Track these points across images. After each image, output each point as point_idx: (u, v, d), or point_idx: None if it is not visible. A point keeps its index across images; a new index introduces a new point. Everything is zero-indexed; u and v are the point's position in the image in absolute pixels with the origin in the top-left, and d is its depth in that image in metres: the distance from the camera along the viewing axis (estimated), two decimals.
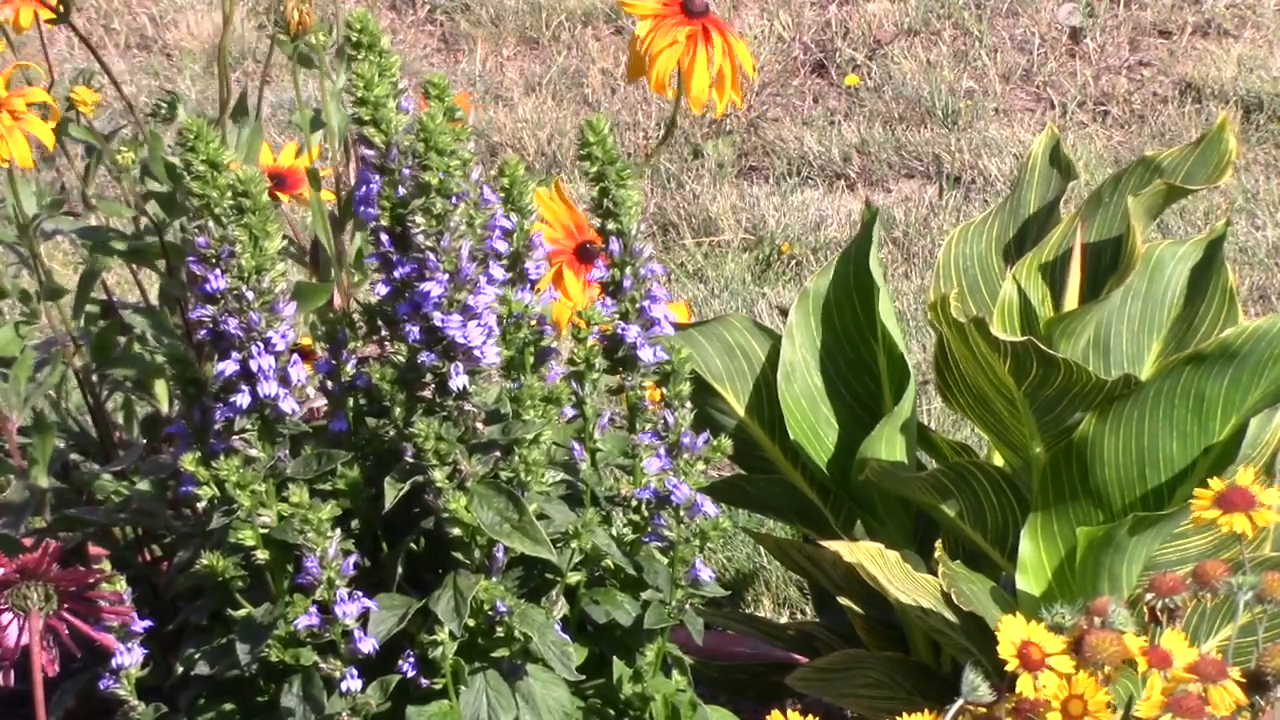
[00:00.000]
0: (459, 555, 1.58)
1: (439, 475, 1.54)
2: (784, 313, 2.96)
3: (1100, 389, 1.77)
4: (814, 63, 3.79)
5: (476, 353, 1.55)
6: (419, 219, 1.52)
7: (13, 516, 1.80)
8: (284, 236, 1.60)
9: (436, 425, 1.54)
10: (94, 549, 1.91)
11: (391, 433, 1.59)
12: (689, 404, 1.65)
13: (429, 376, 1.57)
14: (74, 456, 1.93)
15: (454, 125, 1.54)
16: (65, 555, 1.76)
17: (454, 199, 1.52)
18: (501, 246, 1.58)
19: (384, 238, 1.57)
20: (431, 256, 1.53)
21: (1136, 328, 1.95)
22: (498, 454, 1.57)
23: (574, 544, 1.59)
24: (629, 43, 1.93)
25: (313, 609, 1.55)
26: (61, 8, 1.84)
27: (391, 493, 1.55)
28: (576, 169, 3.43)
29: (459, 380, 1.55)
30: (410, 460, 1.56)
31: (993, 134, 3.51)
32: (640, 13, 1.89)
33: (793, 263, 3.21)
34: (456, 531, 1.56)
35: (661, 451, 1.64)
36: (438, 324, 1.54)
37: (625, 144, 3.55)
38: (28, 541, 1.76)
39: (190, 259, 1.57)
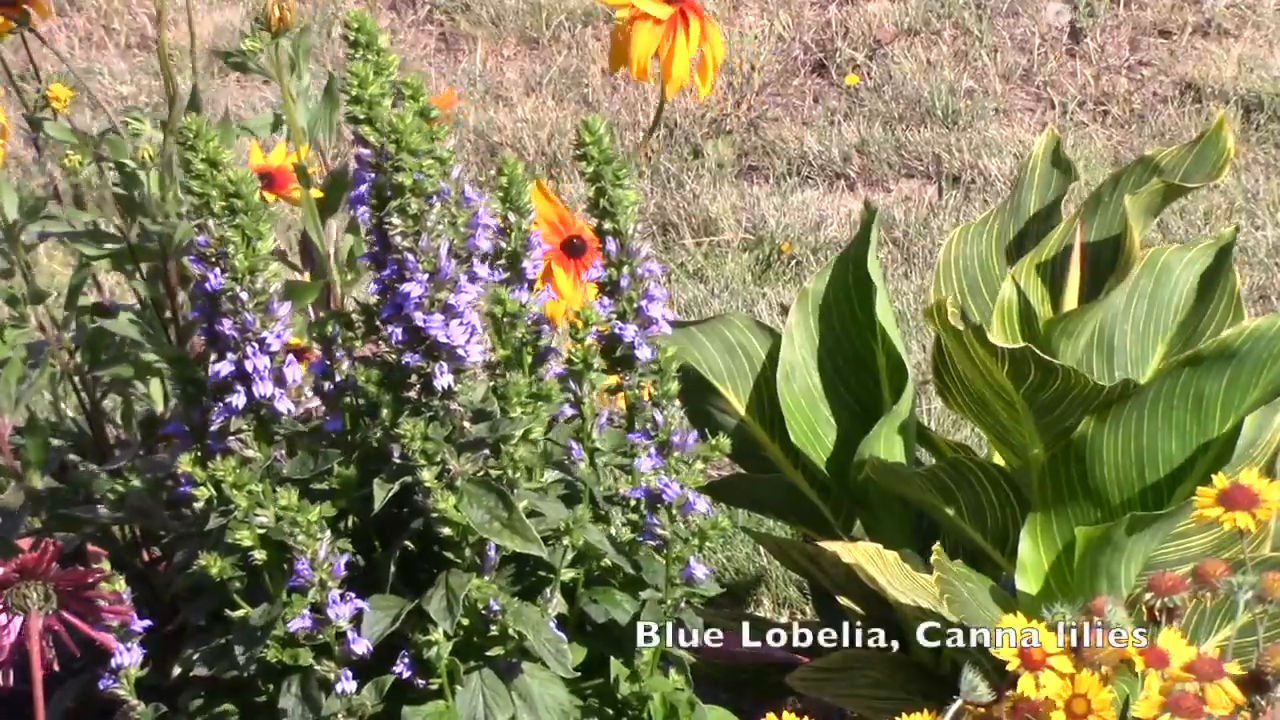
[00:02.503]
0: (451, 554, 1.57)
1: (427, 475, 1.54)
2: (784, 312, 2.96)
3: (1098, 394, 1.77)
4: (814, 63, 3.78)
5: (460, 352, 1.55)
6: (395, 220, 1.52)
7: (9, 519, 1.80)
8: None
9: (423, 425, 1.54)
10: (93, 549, 1.91)
11: (379, 433, 1.59)
12: (678, 403, 1.65)
13: (414, 376, 1.56)
14: (71, 457, 1.93)
15: (430, 125, 1.53)
16: (65, 556, 1.76)
17: (430, 199, 1.52)
18: (485, 244, 1.58)
19: (375, 237, 1.57)
20: (410, 257, 1.53)
21: (1142, 330, 1.95)
22: (486, 452, 1.57)
23: (566, 540, 1.59)
24: (610, 34, 1.93)
25: (305, 610, 1.55)
26: (20, 17, 1.84)
27: (380, 493, 1.55)
28: (576, 168, 3.44)
29: (444, 380, 1.55)
30: (399, 460, 1.56)
31: (993, 134, 3.51)
32: (617, 2, 1.90)
33: (793, 263, 3.21)
34: (447, 531, 1.56)
35: (653, 450, 1.64)
36: (420, 324, 1.54)
37: (625, 143, 3.55)
38: (25, 543, 1.76)
39: (190, 258, 1.57)
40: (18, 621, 1.43)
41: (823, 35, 3.83)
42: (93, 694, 1.67)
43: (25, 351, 1.83)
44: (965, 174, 3.42)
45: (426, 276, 1.53)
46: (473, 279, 1.56)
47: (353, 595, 1.55)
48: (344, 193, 1.78)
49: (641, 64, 1.88)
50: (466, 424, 1.57)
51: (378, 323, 1.62)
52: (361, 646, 1.56)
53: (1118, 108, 3.61)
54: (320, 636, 1.56)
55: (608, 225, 1.65)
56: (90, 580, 1.45)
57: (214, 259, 1.55)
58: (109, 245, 1.85)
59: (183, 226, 1.80)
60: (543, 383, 1.58)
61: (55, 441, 1.89)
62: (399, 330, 1.55)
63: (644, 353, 1.66)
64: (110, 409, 1.99)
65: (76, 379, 1.91)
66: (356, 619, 1.56)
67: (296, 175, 1.82)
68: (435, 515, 1.55)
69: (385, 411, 1.58)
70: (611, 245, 1.66)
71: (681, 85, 1.90)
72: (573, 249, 1.92)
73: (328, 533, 1.55)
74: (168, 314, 1.88)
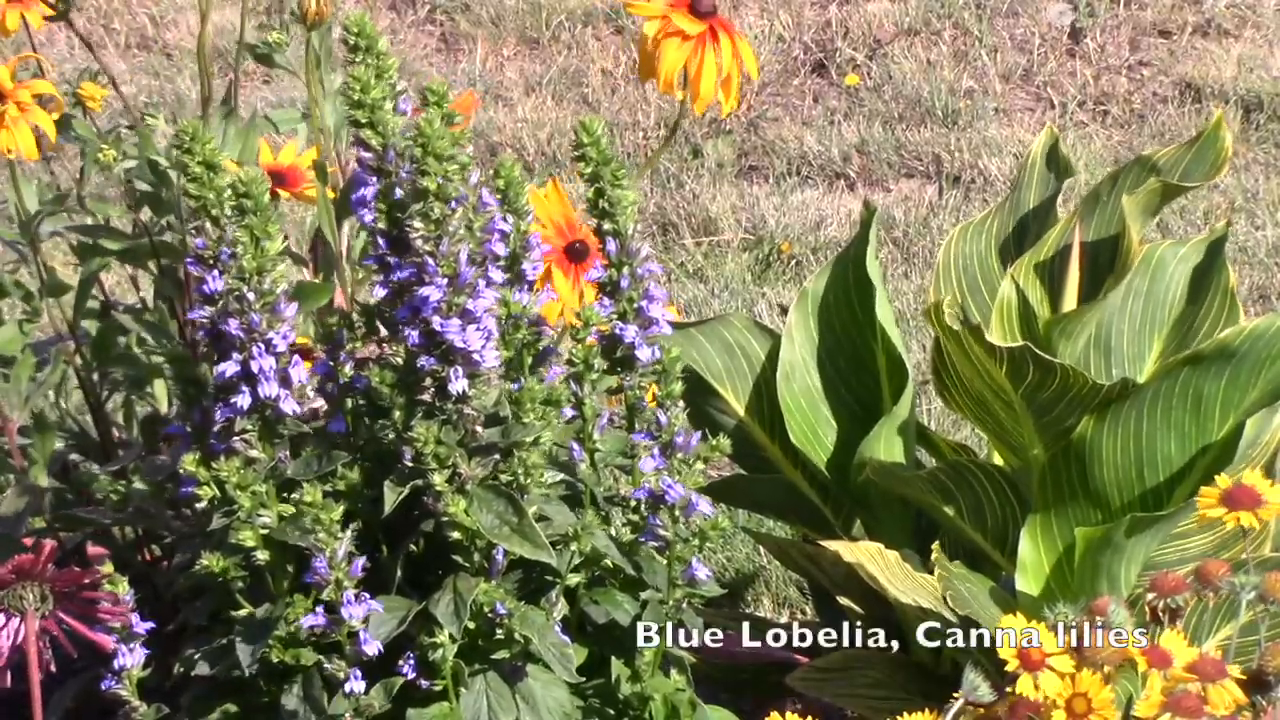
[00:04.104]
0: (459, 558, 1.58)
1: (438, 479, 1.54)
2: (784, 312, 2.96)
3: (1097, 392, 1.77)
4: (814, 63, 3.79)
5: (476, 356, 1.55)
6: (417, 224, 1.52)
7: (13, 519, 1.80)
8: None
9: (436, 429, 1.54)
10: (94, 549, 1.91)
11: (391, 435, 1.59)
12: (681, 404, 1.65)
13: (428, 380, 1.56)
14: (74, 456, 1.93)
15: (452, 129, 1.53)
16: (65, 555, 1.76)
17: (452, 204, 1.52)
18: (500, 249, 1.58)
19: (381, 240, 1.57)
20: (430, 261, 1.53)
21: (1138, 327, 1.95)
22: (497, 457, 1.57)
23: (574, 546, 1.59)
24: (638, 44, 1.93)
25: (318, 609, 1.55)
26: (61, 5, 1.85)
27: (391, 496, 1.55)
28: (575, 169, 3.43)
29: (459, 384, 1.55)
30: (410, 463, 1.56)
31: (993, 134, 3.51)
32: (647, 13, 1.89)
33: (793, 263, 3.21)
34: (456, 534, 1.56)
35: (655, 451, 1.64)
36: (437, 328, 1.54)
37: (625, 144, 3.55)
38: (28, 542, 1.76)
39: (188, 260, 1.56)
40: (15, 623, 1.43)
41: (823, 35, 3.83)
42: (94, 693, 1.67)
43: (33, 351, 1.83)
44: (965, 174, 3.42)
45: (446, 281, 1.53)
46: (489, 284, 1.56)
47: (366, 596, 1.55)
48: None
49: (669, 79, 1.88)
50: (479, 428, 1.57)
51: (379, 323, 1.62)
52: (373, 647, 1.56)
53: (1118, 108, 3.61)
54: (332, 635, 1.56)
55: (607, 225, 1.65)
56: (87, 581, 1.45)
57: (212, 261, 1.55)
58: (128, 242, 1.85)
59: None
60: (552, 387, 1.58)
61: (59, 441, 1.89)
62: (415, 333, 1.55)
63: (644, 353, 1.66)
64: (112, 409, 2.00)
65: (81, 378, 1.91)
66: (367, 619, 1.56)
67: (315, 172, 1.82)
68: (445, 519, 1.55)
69: (398, 414, 1.58)
70: (611, 245, 1.66)
71: (709, 102, 1.89)
72: (575, 254, 1.92)
73: (348, 532, 1.54)
74: (181, 313, 1.88)
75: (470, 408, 1.56)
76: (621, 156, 3.36)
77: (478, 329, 1.54)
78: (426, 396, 1.57)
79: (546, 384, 1.59)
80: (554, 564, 1.57)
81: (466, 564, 1.58)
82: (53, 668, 1.45)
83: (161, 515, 1.75)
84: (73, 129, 1.86)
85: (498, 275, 1.57)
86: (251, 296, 1.54)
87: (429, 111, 1.54)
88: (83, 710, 1.81)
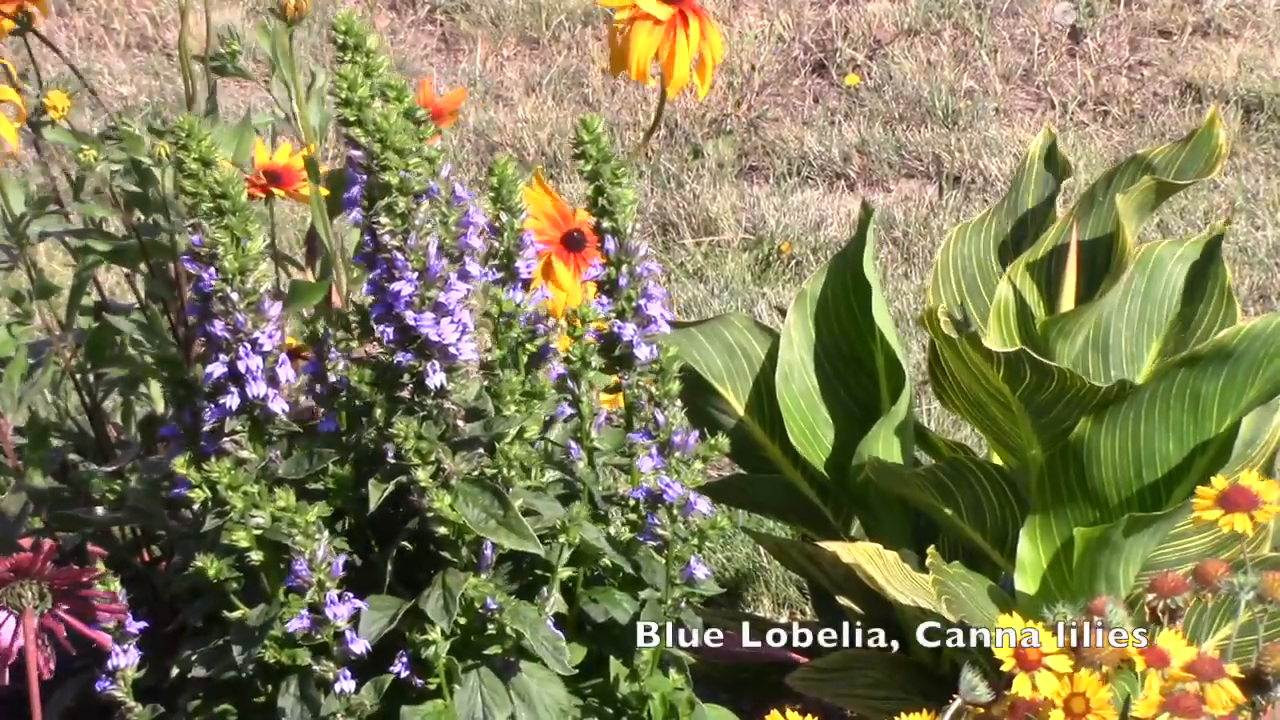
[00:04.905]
0: (447, 554, 1.58)
1: (422, 474, 1.54)
2: (783, 313, 2.96)
3: (1095, 394, 1.77)
4: (814, 63, 3.78)
5: (452, 350, 1.55)
6: (383, 219, 1.52)
7: (10, 519, 1.80)
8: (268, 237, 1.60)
9: (416, 425, 1.54)
10: (92, 549, 1.91)
11: (373, 433, 1.59)
12: (679, 403, 1.64)
13: (407, 376, 1.56)
14: (72, 456, 1.93)
15: (417, 125, 1.53)
16: (65, 555, 1.76)
17: (418, 198, 1.52)
18: (476, 243, 1.58)
19: (368, 238, 1.57)
20: (399, 256, 1.52)
21: (1136, 327, 1.95)
22: (481, 451, 1.57)
23: (563, 538, 1.59)
24: (608, 36, 1.93)
25: (304, 611, 1.55)
26: (25, 18, 1.85)
27: (375, 493, 1.55)
28: (575, 168, 3.43)
29: (436, 379, 1.55)
30: (394, 460, 1.55)
31: (993, 134, 3.51)
32: (617, 3, 1.89)
33: (793, 263, 3.21)
34: (443, 530, 1.56)
35: (654, 450, 1.64)
36: (411, 323, 1.54)
37: (625, 143, 3.55)
38: (26, 542, 1.76)
39: (184, 258, 1.56)
40: (13, 621, 1.43)
41: (823, 35, 3.83)
42: (92, 693, 1.67)
43: (28, 350, 1.83)
44: (965, 174, 3.42)
45: (416, 275, 1.53)
46: (464, 277, 1.56)
47: (351, 595, 1.55)
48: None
49: (641, 66, 1.88)
50: (460, 423, 1.57)
51: (371, 322, 1.62)
52: (360, 646, 1.56)
53: (1118, 108, 3.61)
54: (319, 637, 1.56)
55: (606, 224, 1.65)
56: (86, 579, 1.45)
57: (208, 259, 1.54)
58: (118, 243, 1.85)
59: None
60: (536, 381, 1.58)
61: (56, 441, 1.89)
62: (390, 329, 1.55)
63: (643, 352, 1.66)
64: (110, 409, 1.99)
65: (77, 378, 1.91)
66: (355, 619, 1.56)
67: (307, 170, 1.82)
68: (431, 514, 1.55)
69: (379, 411, 1.58)
70: (610, 244, 1.65)
71: (683, 86, 1.89)
72: (573, 243, 1.92)
73: (326, 533, 1.54)
74: (174, 313, 1.88)
75: (450, 402, 1.56)
76: (621, 156, 3.36)
77: (452, 322, 1.54)
78: (406, 393, 1.57)
79: (529, 377, 1.59)
80: (541, 555, 1.57)
81: (455, 559, 1.58)
82: (52, 666, 1.45)
83: (159, 515, 1.74)
84: (43, 137, 1.86)
85: (475, 268, 1.57)
86: (235, 296, 1.54)
87: (388, 106, 1.54)
88: (81, 710, 1.81)
